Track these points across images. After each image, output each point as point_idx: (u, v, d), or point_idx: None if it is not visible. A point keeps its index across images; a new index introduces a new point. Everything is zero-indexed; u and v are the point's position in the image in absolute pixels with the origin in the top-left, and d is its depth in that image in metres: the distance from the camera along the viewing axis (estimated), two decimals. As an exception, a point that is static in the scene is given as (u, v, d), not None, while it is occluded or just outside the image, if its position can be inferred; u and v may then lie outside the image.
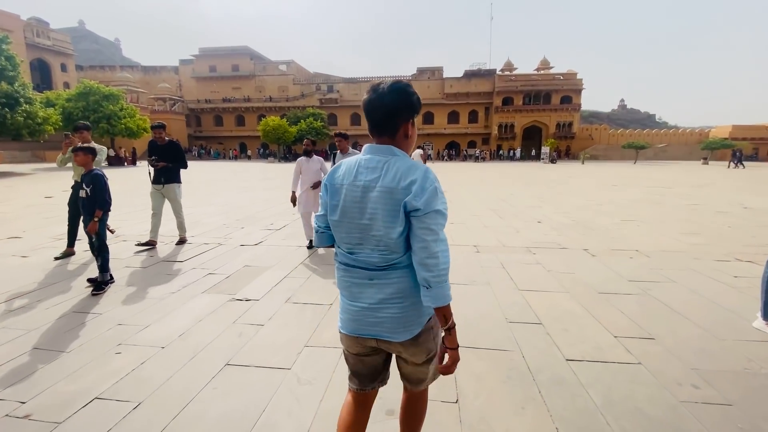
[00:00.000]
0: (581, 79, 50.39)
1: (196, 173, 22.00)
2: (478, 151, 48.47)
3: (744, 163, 31.28)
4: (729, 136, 45.98)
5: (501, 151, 51.20)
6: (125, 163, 31.31)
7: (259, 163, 38.32)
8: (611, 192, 12.35)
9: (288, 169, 26.26)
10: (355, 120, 57.19)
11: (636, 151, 40.75)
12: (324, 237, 1.32)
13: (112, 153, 30.19)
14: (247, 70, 58.56)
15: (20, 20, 42.19)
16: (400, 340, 1.20)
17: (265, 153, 54.40)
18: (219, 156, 54.64)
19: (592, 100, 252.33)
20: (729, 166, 30.71)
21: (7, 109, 19.16)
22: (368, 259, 1.18)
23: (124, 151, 31.78)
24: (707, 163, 37.25)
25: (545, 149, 39.76)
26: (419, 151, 13.93)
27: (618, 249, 5.13)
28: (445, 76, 55.92)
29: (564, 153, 51.15)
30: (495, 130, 52.03)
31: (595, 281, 3.84)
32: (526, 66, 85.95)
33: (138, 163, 33.71)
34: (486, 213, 8.14)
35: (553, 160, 38.61)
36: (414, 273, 1.15)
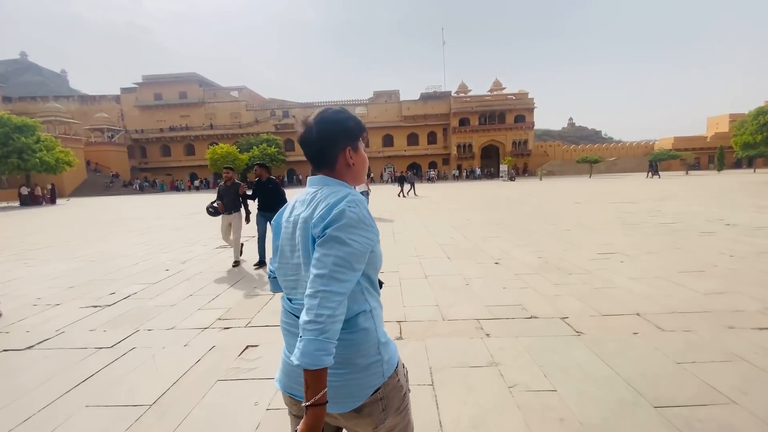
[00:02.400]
0: (532, 98, 51.86)
1: (116, 210, 19.05)
2: (431, 172, 48.71)
3: (659, 173, 33.94)
4: (672, 147, 48.40)
5: (459, 171, 50.98)
6: (43, 202, 27.46)
7: (208, 194, 35.31)
8: (576, 211, 11.08)
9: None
10: (313, 145, 55.38)
11: (590, 165, 41.59)
12: (274, 282, 1.19)
13: (25, 191, 26.36)
14: (196, 97, 55.74)
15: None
16: (336, 412, 1.00)
17: (217, 183, 51.11)
18: (164, 188, 50.68)
19: (544, 120, 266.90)
20: (647, 176, 32.86)
21: None
22: (301, 306, 0.95)
23: (41, 188, 27.91)
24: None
25: (503, 167, 39.63)
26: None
27: (611, 314, 3.42)
28: (402, 99, 55.90)
29: (522, 170, 51.81)
30: (454, 150, 52.04)
31: (596, 417, 2.04)
32: (479, 88, 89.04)
33: (58, 201, 29.84)
34: (432, 251, 6.36)
35: (512, 178, 38.43)
36: (359, 332, 0.98)
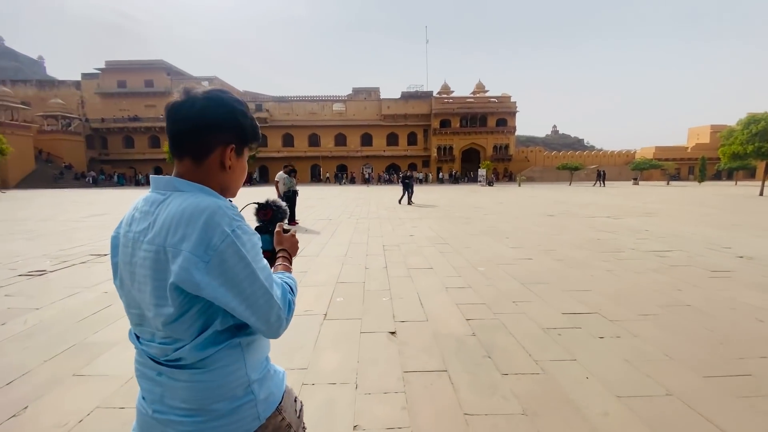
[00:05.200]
0: (515, 102, 50.42)
1: (37, 207, 16.14)
2: (386, 175, 49.02)
3: (605, 182, 35.23)
4: (653, 157, 47.63)
5: (440, 174, 49.05)
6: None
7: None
8: (545, 229, 9.03)
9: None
10: (288, 141, 52.89)
11: (571, 172, 40.25)
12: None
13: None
14: (163, 86, 52.19)
15: None
16: None
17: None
18: (124, 182, 47.10)
19: (528, 126, 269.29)
20: (595, 185, 33.91)
21: None
22: (149, 348, 0.81)
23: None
24: (638, 184, 37.29)
25: (482, 172, 37.88)
26: (282, 174, 9.98)
27: None
28: (382, 96, 53.73)
29: (503, 175, 50.31)
30: (434, 153, 50.13)
31: None
32: (462, 89, 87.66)
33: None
34: (340, 295, 4.12)
35: (490, 183, 36.69)
36: (215, 371, 0.78)
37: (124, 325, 3.38)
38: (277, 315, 0.78)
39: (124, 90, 52.07)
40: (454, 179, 47.89)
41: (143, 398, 0.85)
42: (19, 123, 40.28)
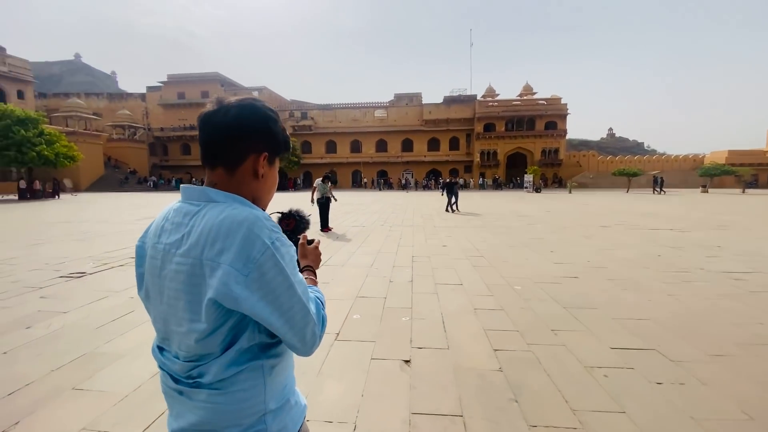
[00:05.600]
0: (566, 104, 47.85)
1: (101, 209, 17.66)
2: (424, 181, 49.08)
3: (665, 189, 32.46)
4: (726, 162, 42.91)
5: (484, 180, 47.53)
6: (42, 196, 27.03)
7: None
8: (597, 241, 8.17)
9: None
10: (331, 147, 54.06)
11: (628, 179, 37.25)
12: None
13: (23, 185, 25.99)
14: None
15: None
16: None
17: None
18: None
19: (581, 129, 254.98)
20: (654, 192, 31.16)
21: None
22: (172, 363, 0.80)
23: (40, 182, 27.52)
24: (707, 191, 33.69)
25: (528, 177, 36.15)
26: (318, 181, 9.99)
27: None
28: (423, 102, 53.37)
29: (551, 181, 47.78)
30: (477, 157, 48.76)
31: None
32: (508, 92, 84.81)
33: (65, 195, 29.52)
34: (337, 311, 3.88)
35: (537, 189, 34.88)
36: (234, 393, 0.75)
37: (135, 336, 3.34)
38: (312, 331, 0.76)
39: (183, 101, 56.09)
40: (497, 185, 46.19)
41: (169, 413, 0.84)
42: (91, 132, 44.67)
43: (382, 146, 53.49)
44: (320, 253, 1.06)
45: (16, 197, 26.52)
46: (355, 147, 53.96)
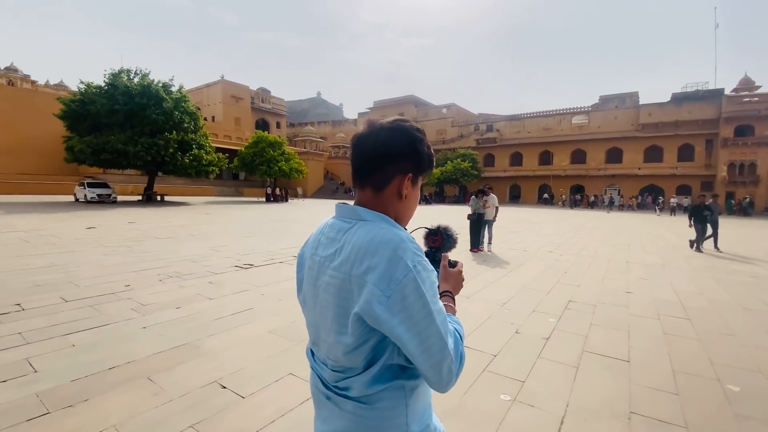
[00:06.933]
0: None
1: (311, 211, 21.93)
2: (638, 198, 39.15)
3: None
4: None
5: (732, 200, 34.49)
6: (280, 200, 35.77)
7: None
8: None
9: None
10: (516, 160, 50.83)
11: None
12: None
13: (269, 191, 35.01)
14: (410, 117, 60.87)
15: (249, 90, 57.67)
16: None
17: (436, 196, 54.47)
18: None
19: None
20: None
21: (179, 153, 23.98)
22: (321, 369, 0.86)
23: (279, 189, 36.53)
24: None
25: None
26: (494, 198, 9.08)
27: None
28: (641, 102, 43.43)
29: None
30: (723, 171, 36.02)
31: None
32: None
33: (292, 200, 38.21)
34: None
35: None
36: (379, 409, 0.78)
37: (219, 341, 3.45)
38: (449, 368, 0.74)
39: (383, 122, 64.50)
40: (743, 209, 32.57)
41: (315, 416, 0.90)
42: (317, 152, 56.61)
43: (578, 157, 46.57)
44: (463, 279, 1.00)
45: (264, 200, 36.13)
46: (545, 158, 48.88)
